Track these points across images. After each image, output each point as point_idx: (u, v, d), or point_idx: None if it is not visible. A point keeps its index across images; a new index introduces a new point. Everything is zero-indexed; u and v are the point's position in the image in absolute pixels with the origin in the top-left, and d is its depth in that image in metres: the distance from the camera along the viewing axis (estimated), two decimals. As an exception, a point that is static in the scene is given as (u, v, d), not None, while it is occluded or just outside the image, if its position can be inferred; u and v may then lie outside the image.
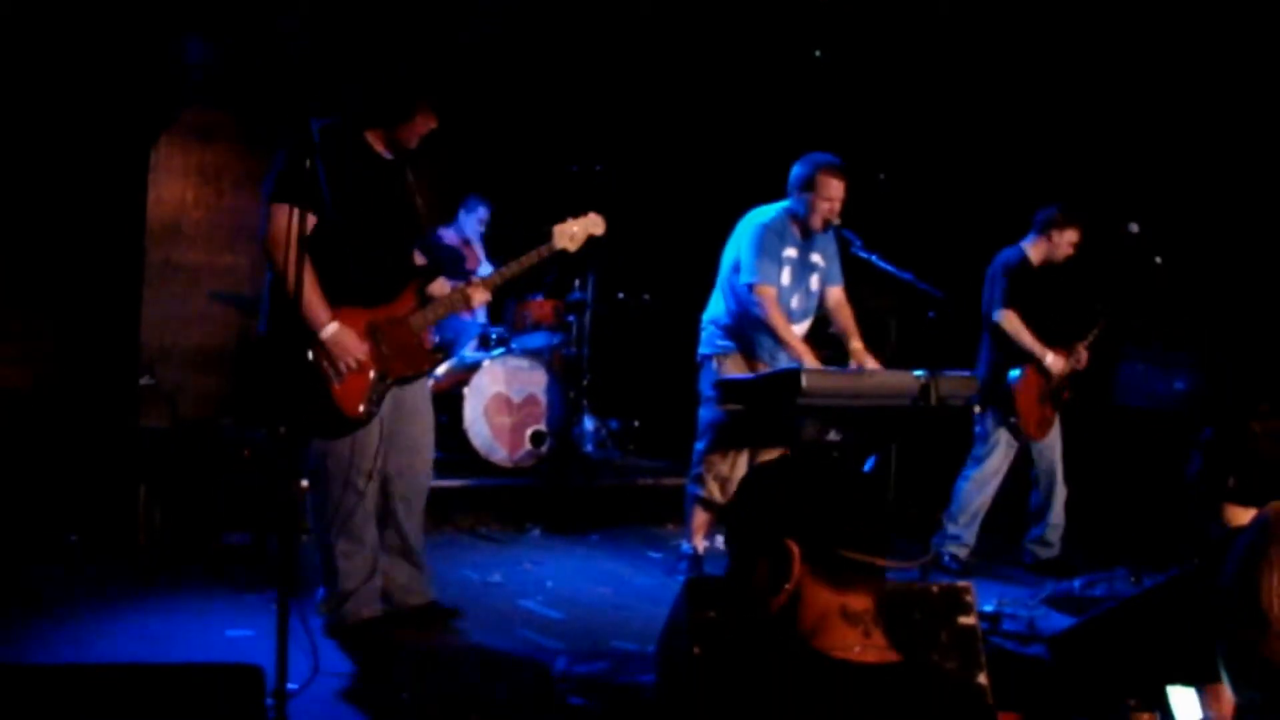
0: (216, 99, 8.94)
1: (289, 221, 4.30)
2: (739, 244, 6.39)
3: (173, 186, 8.98)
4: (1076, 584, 6.64)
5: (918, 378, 5.59)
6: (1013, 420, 7.03)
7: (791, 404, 5.19)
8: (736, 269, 6.36)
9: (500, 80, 9.43)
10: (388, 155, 5.09)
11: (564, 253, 5.27)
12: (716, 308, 6.50)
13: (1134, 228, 6.78)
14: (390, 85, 5.01)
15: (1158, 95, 8.01)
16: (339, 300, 4.86)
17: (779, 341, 6.17)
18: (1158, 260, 6.76)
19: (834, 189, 6.24)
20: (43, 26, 7.79)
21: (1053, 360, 7.07)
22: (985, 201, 8.67)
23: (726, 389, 5.93)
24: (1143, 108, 8.09)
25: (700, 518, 6.54)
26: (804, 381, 5.13)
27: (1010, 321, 7.03)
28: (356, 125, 5.03)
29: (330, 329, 4.80)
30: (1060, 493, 7.27)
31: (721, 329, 6.44)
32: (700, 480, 6.40)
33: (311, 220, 4.32)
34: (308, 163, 4.17)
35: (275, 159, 4.87)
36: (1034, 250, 7.19)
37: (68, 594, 5.56)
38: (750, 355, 6.35)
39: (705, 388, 6.42)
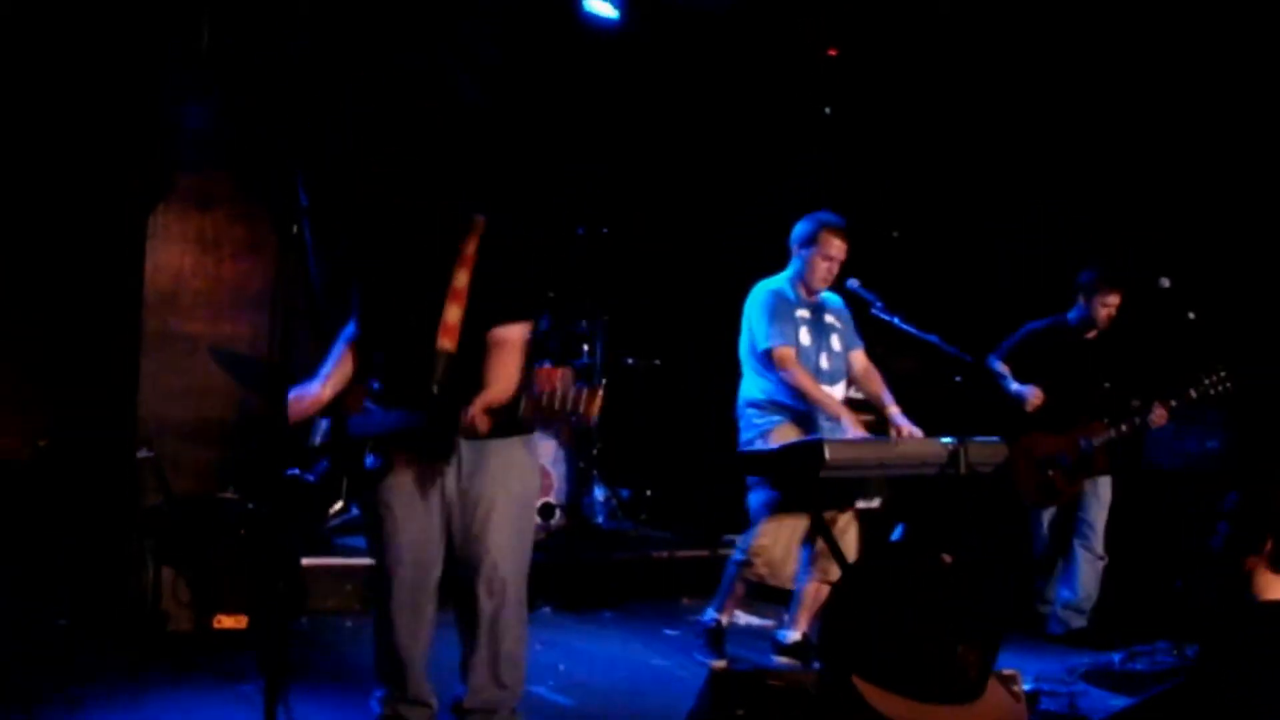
0: (215, 165, 8.74)
1: None
2: (750, 317, 6.21)
3: (170, 254, 8.72)
4: (1116, 658, 6.37)
5: (946, 445, 5.33)
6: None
7: (814, 476, 4.91)
8: (753, 341, 6.16)
9: (505, 141, 9.24)
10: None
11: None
12: (749, 388, 6.24)
13: (1165, 282, 6.58)
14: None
15: (1186, 149, 7.81)
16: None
17: (810, 401, 5.93)
18: (1191, 316, 6.52)
19: (835, 248, 6.09)
20: (38, 92, 7.61)
21: (1018, 389, 6.92)
22: (1001, 259, 8.46)
23: (745, 462, 5.66)
24: (1170, 162, 7.88)
25: (737, 595, 6.26)
26: (827, 453, 4.86)
27: (995, 364, 7.03)
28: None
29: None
30: (1096, 562, 7.03)
31: (760, 407, 6.14)
32: (748, 566, 6.07)
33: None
34: (294, 229, 3.91)
35: None
36: (1078, 320, 7.14)
37: (56, 686, 5.25)
38: (803, 423, 6.05)
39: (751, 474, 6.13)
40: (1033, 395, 6.92)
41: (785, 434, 6.01)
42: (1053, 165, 8.47)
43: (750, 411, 6.18)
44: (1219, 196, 7.76)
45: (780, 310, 6.08)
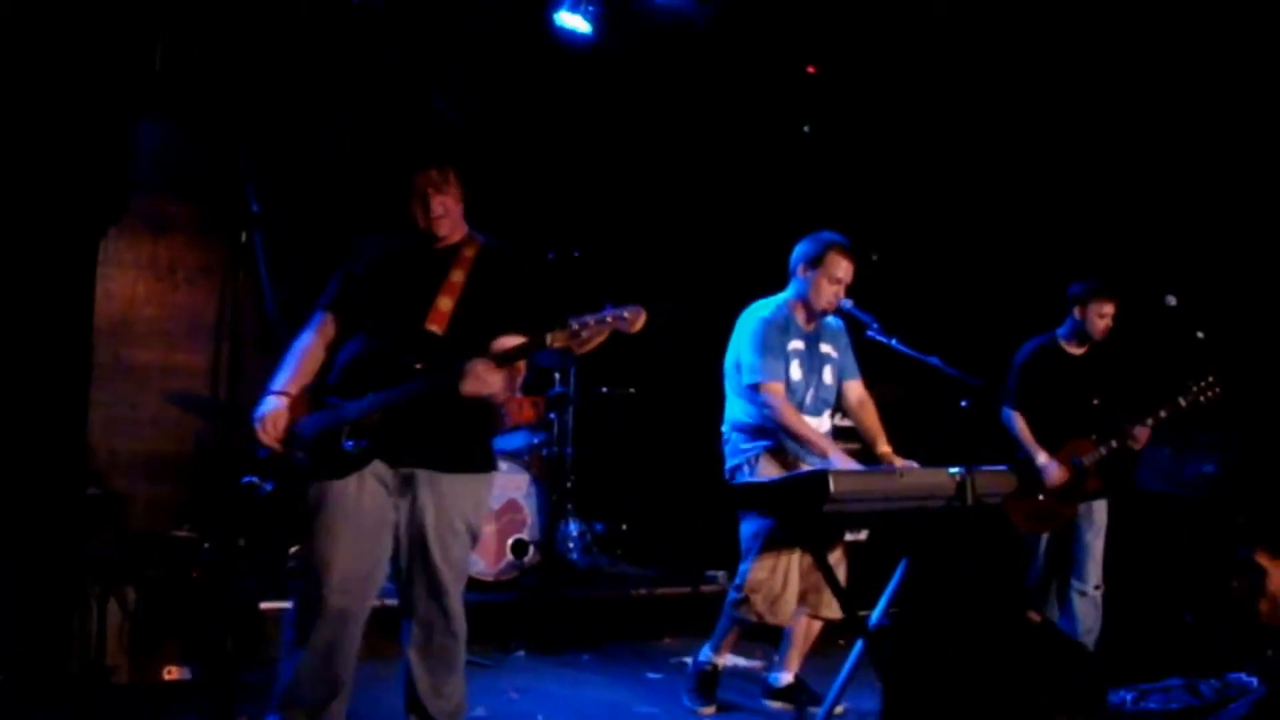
0: (169, 188, 8.42)
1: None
2: (739, 343, 5.88)
3: (123, 280, 8.42)
4: (1128, 697, 6.01)
5: (953, 475, 4.99)
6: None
7: (818, 509, 4.55)
8: (739, 369, 5.84)
9: (472, 161, 8.93)
10: (437, 246, 4.60)
11: (567, 352, 4.20)
12: (734, 412, 5.91)
13: (1171, 300, 6.32)
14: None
15: (1180, 165, 7.59)
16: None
17: (798, 440, 5.60)
18: (1199, 335, 6.24)
19: (843, 269, 5.79)
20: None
21: (1045, 463, 6.73)
22: (989, 283, 8.20)
23: (741, 495, 5.30)
24: (1166, 179, 7.65)
25: (735, 635, 5.90)
26: (832, 485, 4.50)
27: (1010, 420, 6.87)
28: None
29: (269, 397, 4.46)
30: (1093, 594, 6.75)
31: (746, 432, 5.83)
32: (746, 604, 5.69)
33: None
34: (243, 236, 3.60)
35: None
36: (1069, 333, 6.93)
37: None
38: (786, 452, 5.75)
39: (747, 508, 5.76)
40: (1056, 475, 6.71)
41: (774, 460, 5.73)
42: (1040, 183, 8.22)
43: (736, 436, 5.86)
44: (1217, 212, 7.51)
45: (772, 342, 5.77)
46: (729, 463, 5.90)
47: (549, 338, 4.09)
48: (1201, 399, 6.63)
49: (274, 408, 4.40)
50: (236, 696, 4.10)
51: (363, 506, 4.34)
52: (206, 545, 7.04)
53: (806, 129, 9.32)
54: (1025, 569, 6.90)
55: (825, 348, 5.96)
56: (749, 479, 5.69)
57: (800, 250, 5.90)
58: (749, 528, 5.73)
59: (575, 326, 4.06)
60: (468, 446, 4.51)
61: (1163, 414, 6.67)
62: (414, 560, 4.40)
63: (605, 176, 9.27)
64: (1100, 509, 6.85)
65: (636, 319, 4.09)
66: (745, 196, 9.13)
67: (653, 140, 9.05)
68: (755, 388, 5.71)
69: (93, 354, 8.00)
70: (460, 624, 4.51)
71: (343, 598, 4.30)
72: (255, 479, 4.40)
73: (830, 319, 6.01)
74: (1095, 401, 6.84)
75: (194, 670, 5.71)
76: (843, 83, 8.84)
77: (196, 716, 5.10)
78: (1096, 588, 6.80)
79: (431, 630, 4.45)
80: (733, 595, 5.77)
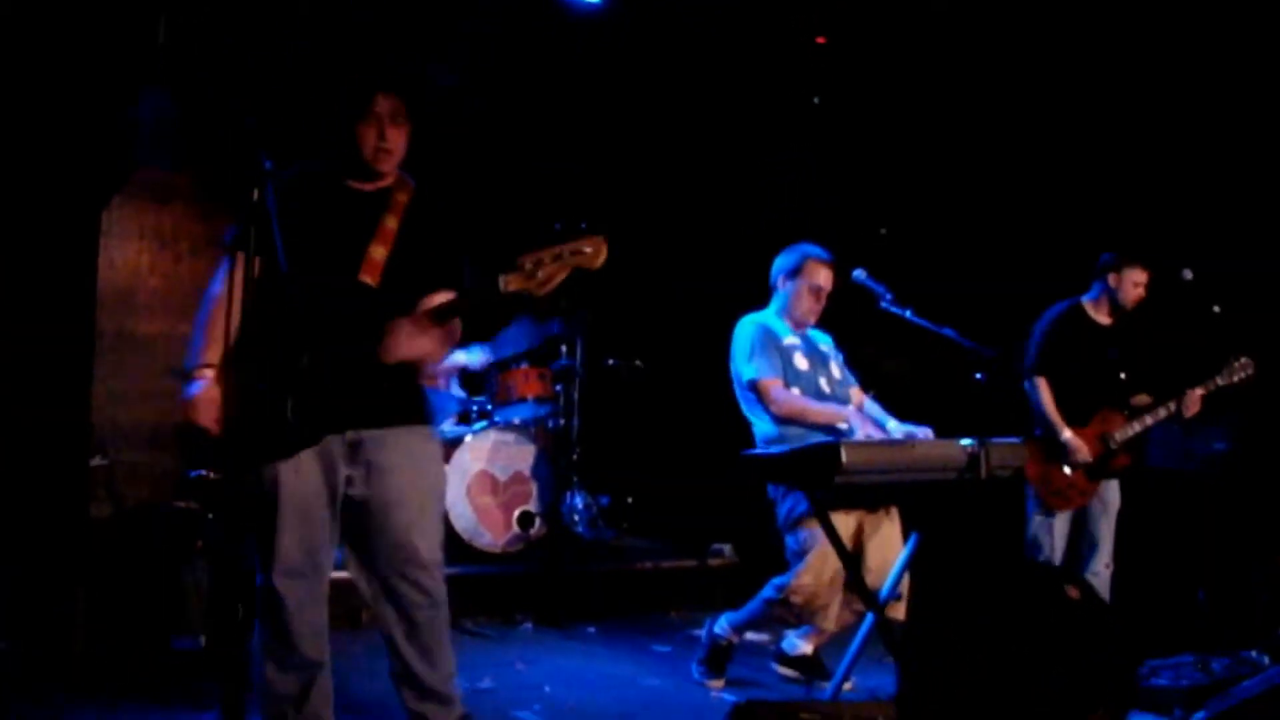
0: (173, 158, 8.36)
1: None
2: (735, 357, 5.86)
3: (126, 251, 8.39)
4: (1139, 674, 5.98)
5: (966, 448, 4.93)
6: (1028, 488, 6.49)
7: (829, 481, 4.50)
8: (739, 377, 5.82)
9: (478, 133, 8.87)
10: (365, 187, 4.24)
11: (527, 297, 3.88)
12: (759, 430, 5.83)
13: (1188, 274, 6.23)
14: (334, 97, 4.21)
15: (1190, 140, 7.51)
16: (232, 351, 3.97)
17: (811, 421, 5.58)
18: (1216, 309, 6.16)
19: (822, 277, 5.83)
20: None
21: (1069, 438, 6.56)
22: (1005, 255, 8.13)
23: (755, 467, 5.23)
24: (1179, 151, 7.57)
25: (762, 623, 5.89)
26: (844, 456, 4.43)
27: (1035, 389, 6.66)
28: (328, 162, 4.23)
29: (195, 375, 4.00)
30: (1104, 569, 6.66)
31: (777, 443, 5.65)
32: (784, 604, 5.60)
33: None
34: (255, 194, 3.45)
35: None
36: (1095, 304, 6.79)
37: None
38: (825, 435, 5.62)
39: (782, 516, 5.67)
40: (1082, 451, 6.58)
41: None
42: (1053, 156, 8.13)
43: (775, 449, 5.74)
44: (1233, 187, 7.43)
45: (765, 342, 5.74)
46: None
47: (502, 281, 3.80)
48: (1236, 379, 6.57)
49: (203, 387, 3.97)
50: (248, 665, 4.02)
51: (301, 484, 4.05)
52: (210, 516, 7.02)
53: (816, 100, 9.23)
54: (1032, 551, 6.79)
55: (823, 348, 5.97)
56: (787, 496, 5.62)
57: (779, 263, 5.93)
58: (794, 542, 5.61)
59: (529, 265, 3.76)
60: (408, 396, 4.24)
61: (1202, 391, 6.60)
62: (380, 534, 4.14)
63: (612, 147, 9.20)
64: (1113, 489, 6.74)
65: (598, 252, 3.81)
66: (754, 166, 9.06)
67: (660, 111, 8.97)
68: (754, 386, 5.68)
69: (96, 325, 7.98)
70: (442, 594, 4.21)
71: (293, 583, 4.06)
72: (204, 472, 4.09)
73: (818, 334, 6.01)
74: (1123, 375, 6.74)
75: (201, 640, 5.70)
76: (853, 53, 8.76)
77: (205, 685, 5.07)
78: (1106, 566, 6.73)
79: (414, 612, 4.17)
80: (771, 594, 5.65)
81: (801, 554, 5.54)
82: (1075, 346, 6.66)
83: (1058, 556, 6.61)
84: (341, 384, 4.00)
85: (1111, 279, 6.69)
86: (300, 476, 4.04)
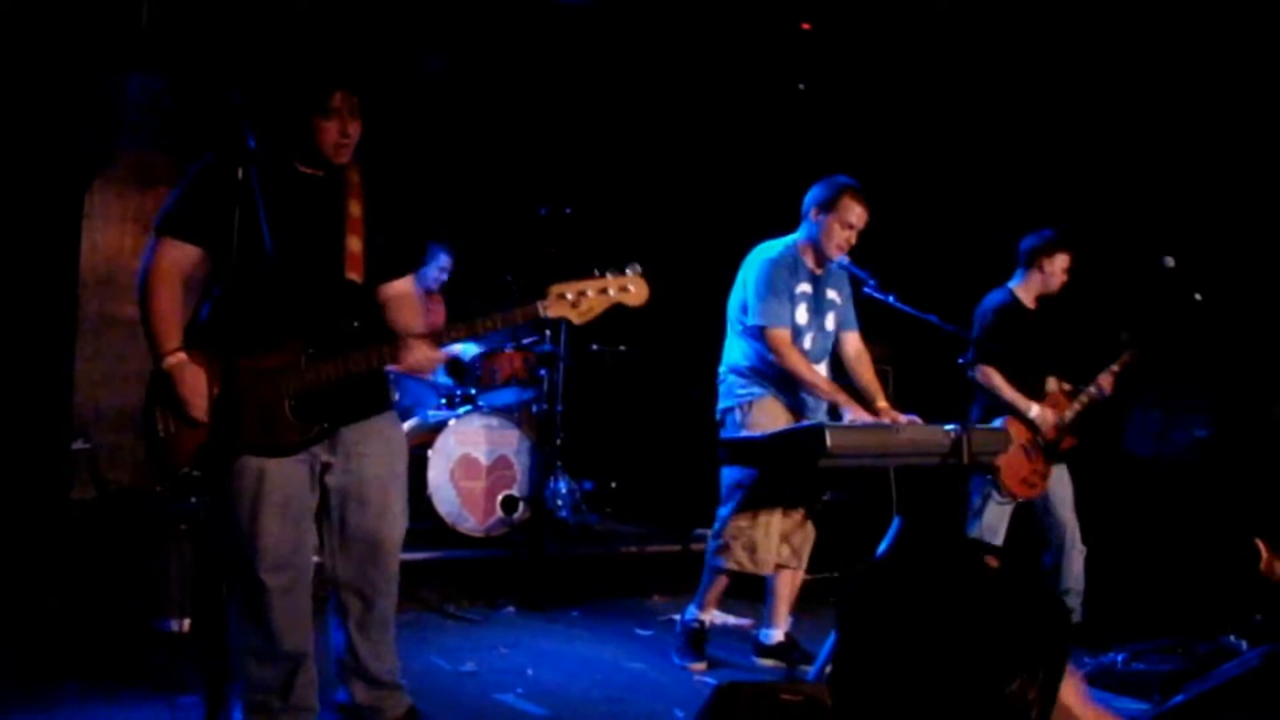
0: (156, 140, 8.32)
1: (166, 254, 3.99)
2: (745, 283, 5.76)
3: (109, 234, 8.33)
4: (1118, 658, 6.02)
5: (949, 433, 4.96)
6: (989, 477, 6.43)
7: (814, 465, 4.51)
8: (745, 310, 5.72)
9: (463, 118, 8.86)
10: (314, 172, 4.21)
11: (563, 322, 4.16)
12: (732, 354, 5.81)
13: (1169, 262, 6.23)
14: (287, 89, 4.20)
15: (1176, 123, 7.52)
16: (200, 343, 4.02)
17: (804, 386, 5.54)
18: (1197, 297, 6.17)
19: (857, 214, 5.67)
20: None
21: (1038, 413, 6.54)
22: (992, 241, 8.14)
23: (733, 449, 5.25)
24: (1162, 136, 7.58)
25: (718, 588, 5.84)
26: (829, 440, 4.46)
27: (987, 377, 6.54)
28: (277, 145, 4.18)
29: (172, 359, 3.95)
30: (1076, 554, 6.66)
31: (743, 375, 5.74)
32: (726, 550, 5.64)
33: (192, 251, 3.97)
34: (240, 173, 3.47)
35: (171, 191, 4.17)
36: (1024, 289, 6.73)
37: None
38: (781, 402, 5.67)
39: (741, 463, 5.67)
40: (1051, 421, 6.57)
41: (767, 409, 5.64)
42: (1039, 140, 8.15)
43: (733, 379, 5.76)
44: (1217, 173, 7.45)
45: (779, 285, 5.65)
46: (721, 404, 5.81)
47: (541, 307, 4.01)
48: (1127, 357, 6.62)
49: (192, 372, 3.96)
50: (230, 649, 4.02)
51: (290, 481, 4.07)
52: (194, 500, 6.99)
53: (801, 86, 9.22)
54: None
55: (831, 293, 5.88)
56: (739, 424, 5.62)
57: (814, 194, 5.77)
58: (731, 475, 5.64)
59: (570, 295, 4.01)
60: (380, 386, 4.34)
61: (1118, 367, 6.63)
62: (359, 513, 4.21)
63: (598, 131, 9.18)
64: (1060, 481, 6.70)
65: (640, 292, 4.14)
66: (740, 151, 9.05)
67: (646, 95, 8.95)
68: (761, 331, 5.62)
69: (78, 307, 7.95)
70: (397, 582, 4.34)
71: (279, 575, 4.07)
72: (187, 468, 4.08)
73: (836, 265, 5.86)
74: (1050, 360, 6.75)
75: (184, 624, 5.68)
76: (838, 38, 8.75)
77: (187, 667, 5.05)
78: (1080, 551, 6.71)
79: (373, 601, 4.26)
80: (712, 544, 5.71)
81: (735, 489, 5.58)
82: (1014, 332, 6.60)
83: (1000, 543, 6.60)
84: (338, 384, 4.03)
85: (1044, 263, 6.64)
86: (285, 467, 4.05)
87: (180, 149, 8.29)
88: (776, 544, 5.65)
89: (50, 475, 7.10)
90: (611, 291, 4.06)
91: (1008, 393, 6.51)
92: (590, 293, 4.03)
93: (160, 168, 8.40)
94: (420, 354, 4.03)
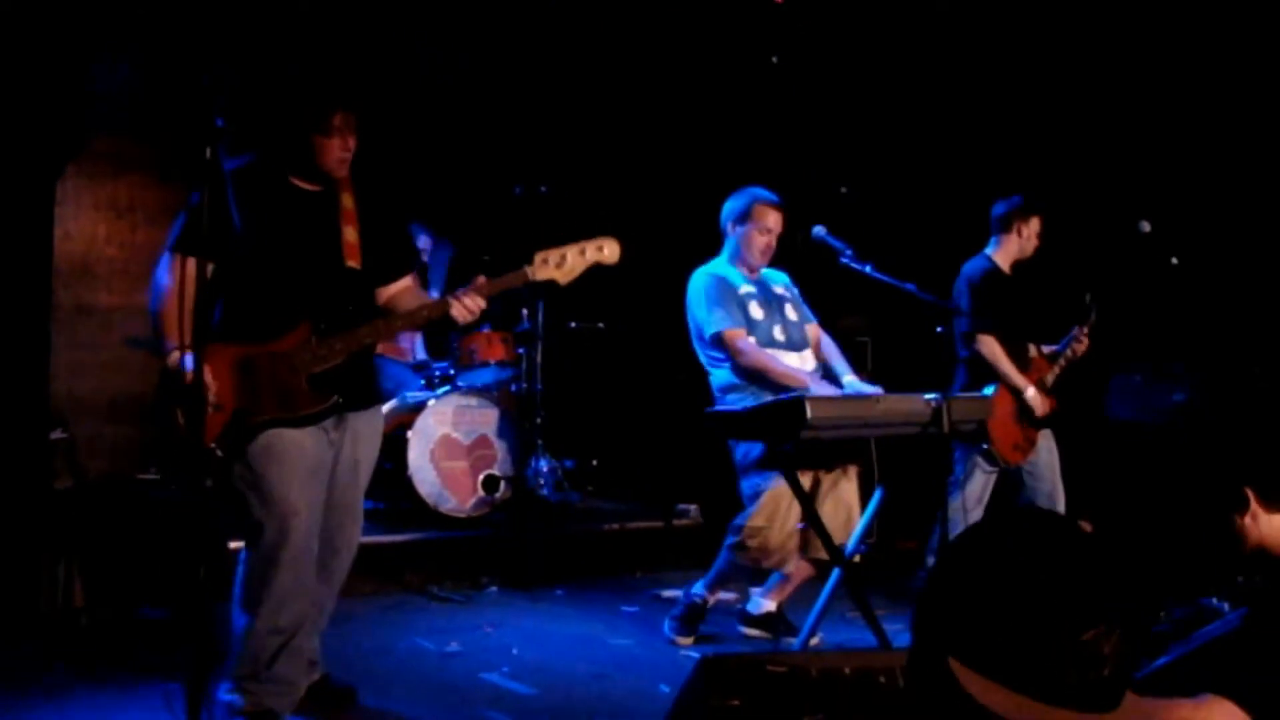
0: (129, 127, 8.27)
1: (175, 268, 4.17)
2: (691, 306, 5.84)
3: (82, 222, 8.29)
4: (1101, 623, 6.03)
5: (929, 402, 4.96)
6: (984, 445, 6.43)
7: (795, 436, 4.52)
8: (701, 334, 5.78)
9: (438, 99, 8.82)
10: (311, 187, 4.44)
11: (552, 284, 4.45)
12: (716, 378, 5.79)
13: (1145, 226, 6.22)
14: (285, 108, 4.40)
15: (1154, 91, 7.52)
16: (216, 336, 4.22)
17: (772, 376, 5.52)
18: (1174, 261, 6.17)
19: (771, 219, 5.81)
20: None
21: (1033, 395, 6.53)
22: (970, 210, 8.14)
23: (719, 423, 5.24)
24: (1139, 101, 7.58)
25: (731, 577, 5.89)
26: (809, 411, 4.45)
27: (988, 347, 6.52)
28: (272, 161, 4.42)
29: (175, 355, 4.13)
30: None
31: (734, 390, 5.67)
32: (742, 549, 5.62)
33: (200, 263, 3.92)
34: (207, 151, 3.52)
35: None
36: (1002, 254, 6.72)
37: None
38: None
39: (739, 459, 5.67)
40: (1043, 405, 6.58)
41: None
42: (1009, 112, 8.14)
43: (732, 398, 5.73)
44: (1192, 138, 7.45)
45: (722, 292, 5.71)
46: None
47: (530, 271, 4.36)
48: (1092, 318, 6.64)
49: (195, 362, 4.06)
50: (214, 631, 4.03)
51: (309, 449, 4.34)
52: (173, 487, 6.97)
53: (774, 60, 9.19)
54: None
55: (777, 289, 5.93)
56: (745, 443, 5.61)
57: (728, 208, 5.92)
58: (748, 486, 5.62)
59: (553, 259, 4.37)
60: (376, 380, 4.72)
61: (1088, 328, 6.65)
62: (344, 491, 4.54)
63: (572, 109, 9.15)
64: (1047, 449, 6.70)
65: (614, 251, 4.50)
66: (713, 128, 9.02)
67: (619, 71, 8.92)
68: (718, 338, 5.64)
69: (53, 296, 7.91)
70: (355, 551, 4.71)
71: (310, 541, 4.36)
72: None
73: (772, 273, 5.99)
74: (1029, 325, 6.75)
75: (166, 610, 5.67)
76: (812, 12, 8.73)
77: (171, 653, 5.03)
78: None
79: (338, 553, 4.59)
80: (730, 539, 5.69)
81: (755, 496, 5.56)
82: (999, 300, 6.59)
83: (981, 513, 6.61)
84: (348, 362, 4.34)
85: (1021, 228, 6.66)
86: (307, 437, 4.33)
87: (153, 135, 8.26)
88: (794, 545, 5.65)
89: (31, 466, 7.06)
90: (589, 252, 4.43)
91: (1005, 366, 6.50)
92: (570, 256, 4.39)
93: (132, 154, 8.36)
94: (469, 301, 4.29)
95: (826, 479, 5.60)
